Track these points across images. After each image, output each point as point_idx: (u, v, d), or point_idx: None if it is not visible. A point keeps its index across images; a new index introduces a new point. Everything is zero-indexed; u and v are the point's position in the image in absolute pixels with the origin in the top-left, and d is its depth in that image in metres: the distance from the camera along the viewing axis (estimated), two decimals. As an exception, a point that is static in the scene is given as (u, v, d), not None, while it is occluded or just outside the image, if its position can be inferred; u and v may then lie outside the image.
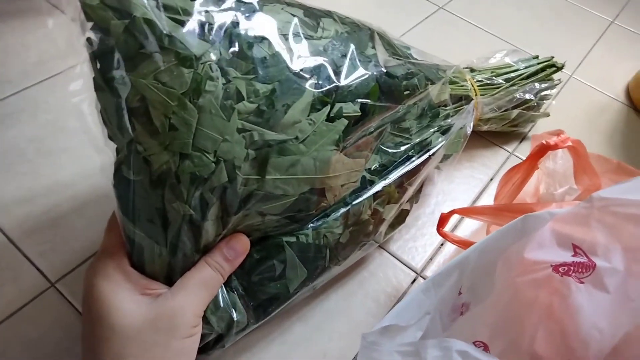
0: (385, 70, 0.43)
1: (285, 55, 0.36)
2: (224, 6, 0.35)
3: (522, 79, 0.63)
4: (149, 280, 0.36)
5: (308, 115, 0.37)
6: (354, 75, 0.40)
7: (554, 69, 0.65)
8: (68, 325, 0.45)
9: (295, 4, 0.41)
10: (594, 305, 0.38)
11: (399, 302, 0.35)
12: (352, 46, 0.41)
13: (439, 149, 0.52)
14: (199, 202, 0.34)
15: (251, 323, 0.41)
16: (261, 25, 0.36)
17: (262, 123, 0.35)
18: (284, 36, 0.37)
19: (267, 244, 0.42)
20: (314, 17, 0.41)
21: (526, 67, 0.64)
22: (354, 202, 0.45)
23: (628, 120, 0.75)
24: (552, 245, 0.39)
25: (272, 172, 0.36)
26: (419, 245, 0.55)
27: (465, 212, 0.49)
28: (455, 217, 0.57)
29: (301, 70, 0.37)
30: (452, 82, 0.57)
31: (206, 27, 0.33)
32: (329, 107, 0.38)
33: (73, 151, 0.57)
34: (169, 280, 0.36)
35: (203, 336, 0.38)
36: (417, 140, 0.50)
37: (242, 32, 0.35)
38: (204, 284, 0.36)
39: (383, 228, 0.50)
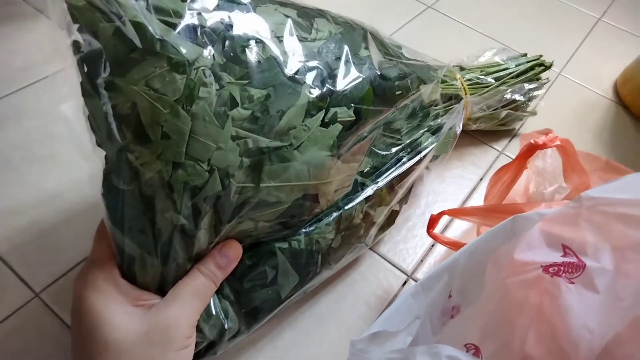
0: (379, 73, 0.42)
1: (280, 59, 0.35)
2: (216, 7, 0.34)
3: (511, 78, 0.62)
4: (140, 291, 0.35)
5: (303, 121, 0.36)
6: (348, 78, 0.39)
7: (543, 67, 0.65)
8: (53, 336, 0.44)
9: (288, 3, 0.40)
10: (584, 305, 0.37)
11: (388, 307, 0.34)
12: (346, 48, 0.40)
13: (429, 150, 0.52)
14: (192, 212, 0.33)
15: (243, 330, 0.40)
16: (255, 27, 0.35)
17: (256, 129, 0.34)
18: (278, 38, 0.36)
19: (259, 250, 0.41)
20: (308, 17, 0.40)
21: (515, 66, 0.64)
22: (346, 207, 0.45)
23: (616, 117, 0.75)
24: (542, 245, 0.39)
25: (266, 179, 0.35)
26: (409, 247, 0.55)
27: (454, 213, 0.48)
28: (445, 218, 0.57)
29: (296, 74, 0.36)
30: (442, 82, 0.57)
31: (199, 29, 0.32)
32: (323, 112, 0.37)
33: (59, 158, 0.56)
34: (161, 290, 0.36)
35: (195, 344, 0.37)
36: (408, 141, 0.50)
37: (236, 35, 0.34)
38: (197, 293, 0.35)
39: (373, 231, 0.49)
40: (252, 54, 0.34)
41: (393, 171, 0.49)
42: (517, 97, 0.62)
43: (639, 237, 0.35)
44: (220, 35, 0.33)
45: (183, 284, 0.35)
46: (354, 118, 0.39)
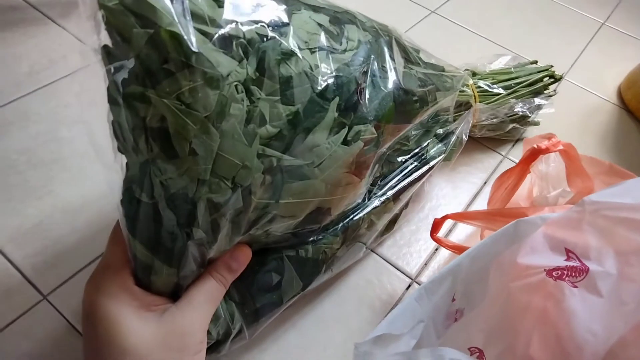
0: (402, 87, 0.41)
1: (310, 74, 0.34)
2: (253, 15, 0.32)
3: (521, 88, 0.62)
4: (153, 297, 0.35)
5: (326, 139, 0.35)
6: (373, 94, 0.38)
7: (552, 79, 0.65)
8: (61, 339, 0.44)
9: (320, 8, 0.39)
10: (588, 309, 0.38)
11: (392, 311, 0.35)
12: (374, 60, 0.39)
13: (438, 161, 0.51)
14: (212, 226, 0.33)
15: (246, 331, 0.41)
16: (289, 38, 0.33)
17: (280, 147, 0.33)
18: (310, 50, 0.35)
19: (267, 256, 0.41)
20: (339, 24, 0.39)
21: (525, 76, 0.64)
22: (354, 217, 0.45)
23: (620, 122, 0.75)
24: (545, 249, 0.39)
25: (285, 196, 0.35)
26: (413, 251, 0.55)
27: (458, 217, 0.48)
28: (449, 222, 0.57)
29: (325, 90, 0.35)
30: (454, 89, 0.57)
31: (234, 41, 0.30)
32: (346, 129, 0.36)
33: (64, 162, 0.56)
34: (173, 294, 0.36)
35: None
36: (416, 149, 0.50)
37: (271, 47, 0.32)
38: (209, 297, 0.36)
39: (373, 236, 0.50)
40: (285, 69, 0.33)
41: (400, 180, 0.49)
42: (525, 111, 0.62)
43: (642, 241, 0.35)
44: (255, 48, 0.31)
45: (195, 289, 0.35)
46: (375, 135, 0.39)
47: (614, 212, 0.37)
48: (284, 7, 0.34)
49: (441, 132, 0.53)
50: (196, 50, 0.28)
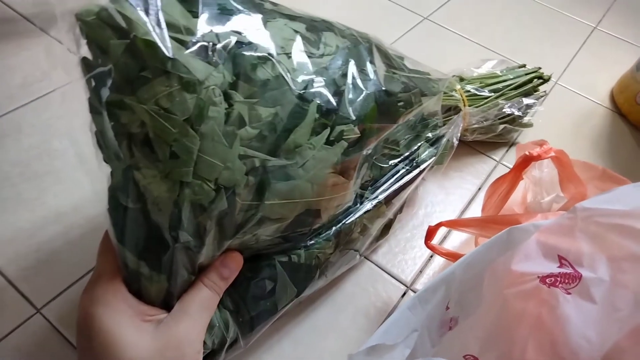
0: (384, 89, 0.42)
1: (288, 77, 0.35)
2: (227, 23, 0.33)
3: (509, 90, 0.63)
4: (146, 306, 0.35)
5: (308, 139, 0.36)
6: (354, 95, 0.39)
7: (541, 80, 0.66)
8: (55, 353, 0.44)
9: (297, 16, 0.40)
10: (582, 315, 0.38)
11: (386, 321, 0.35)
12: (353, 64, 0.40)
13: (429, 164, 0.52)
14: (197, 229, 0.33)
15: (241, 340, 0.41)
16: (265, 43, 0.35)
17: (263, 148, 0.34)
18: (287, 55, 0.36)
19: (259, 262, 0.41)
20: (316, 31, 0.40)
21: (513, 78, 0.64)
22: (346, 221, 0.45)
23: (613, 125, 0.75)
24: (538, 256, 0.39)
25: (270, 197, 0.35)
26: (408, 258, 0.55)
27: (452, 224, 0.49)
28: (443, 229, 0.57)
29: (304, 92, 0.36)
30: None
31: (209, 47, 0.31)
32: (328, 130, 0.37)
33: (58, 174, 0.56)
34: (166, 304, 0.36)
35: None
36: (407, 153, 0.50)
37: (246, 52, 0.33)
38: (204, 306, 0.36)
39: (368, 241, 0.49)
40: (262, 72, 0.34)
41: (392, 184, 0.49)
42: (515, 111, 0.63)
43: (634, 247, 0.35)
44: (231, 53, 0.32)
45: (189, 298, 0.35)
46: (359, 135, 0.39)
47: (606, 218, 0.37)
48: (259, 15, 0.35)
49: (431, 136, 0.53)
50: (171, 56, 0.29)
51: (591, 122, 0.75)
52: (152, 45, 0.29)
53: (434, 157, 0.52)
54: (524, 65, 0.68)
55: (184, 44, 0.30)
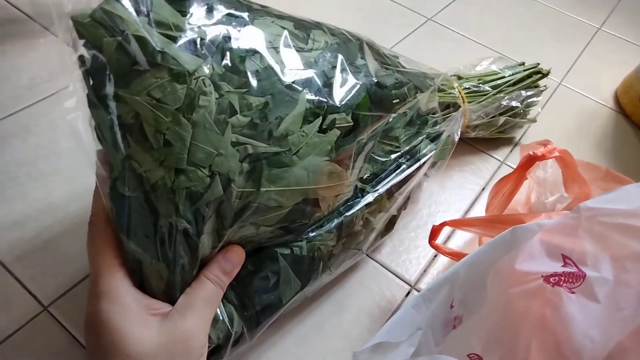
0: (375, 80, 0.43)
1: (277, 68, 0.37)
2: (215, 21, 0.35)
3: (508, 86, 0.63)
4: (150, 300, 0.35)
5: (300, 127, 0.37)
6: (345, 86, 0.41)
7: (540, 75, 0.66)
8: (62, 350, 0.44)
9: (285, 16, 0.42)
10: (586, 315, 0.38)
11: (390, 319, 0.35)
12: (342, 57, 0.41)
13: (428, 158, 0.52)
14: (195, 216, 0.34)
15: (247, 334, 0.41)
16: (252, 38, 0.37)
17: (255, 136, 0.35)
18: (275, 49, 0.38)
19: (262, 256, 0.42)
20: (304, 29, 0.41)
21: (512, 74, 0.64)
22: (347, 213, 0.46)
23: (617, 126, 0.75)
24: (542, 256, 0.39)
25: (266, 184, 0.36)
26: (412, 258, 0.55)
27: (456, 224, 0.49)
28: (448, 228, 0.58)
29: (293, 82, 0.37)
30: (440, 90, 0.58)
31: (198, 42, 0.33)
32: (320, 118, 0.38)
33: (64, 173, 0.57)
34: (169, 297, 0.36)
35: None
36: (407, 148, 0.51)
37: (234, 46, 0.35)
38: (208, 300, 0.36)
39: (372, 237, 0.50)
40: (250, 64, 0.35)
41: (393, 178, 0.50)
42: (514, 103, 0.63)
43: (638, 247, 0.35)
44: (219, 47, 0.34)
45: (193, 292, 0.36)
46: (352, 124, 0.40)
47: (610, 218, 0.37)
48: (247, 13, 0.38)
49: (432, 132, 0.54)
50: (161, 49, 0.32)
51: (595, 123, 0.75)
52: (142, 40, 0.31)
53: (434, 151, 0.53)
54: (523, 63, 0.68)
55: (173, 39, 0.33)
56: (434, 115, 0.55)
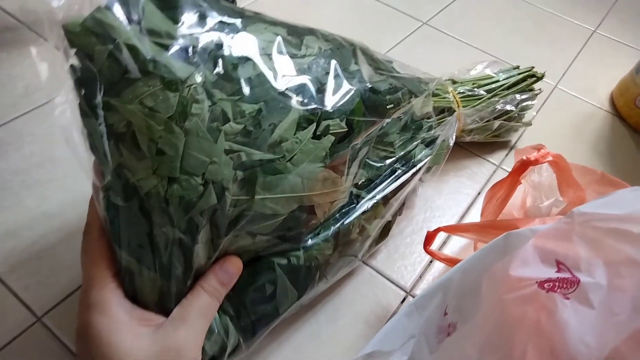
0: (369, 86, 0.43)
1: (270, 75, 0.37)
2: (208, 28, 0.35)
3: (503, 90, 0.63)
4: (143, 311, 0.35)
5: (294, 134, 0.37)
6: (339, 92, 0.40)
7: (534, 78, 0.66)
8: (55, 361, 0.44)
9: (278, 22, 0.41)
10: (580, 320, 0.37)
11: (382, 327, 0.35)
12: (336, 63, 0.41)
13: (424, 162, 0.52)
14: (189, 225, 0.34)
15: (242, 345, 0.41)
16: (245, 45, 0.36)
17: (249, 143, 0.35)
18: (268, 56, 0.37)
19: (258, 266, 0.41)
20: (297, 35, 0.41)
21: (507, 78, 0.64)
22: (345, 222, 0.45)
23: (613, 129, 0.75)
24: (536, 261, 0.39)
25: (261, 191, 0.36)
26: (408, 264, 0.55)
27: (450, 229, 0.49)
28: (443, 234, 0.57)
29: (286, 89, 0.37)
30: (434, 95, 0.58)
31: (190, 49, 0.33)
32: (314, 124, 0.38)
33: (59, 181, 0.57)
34: (164, 308, 0.36)
35: None
36: (402, 153, 0.51)
37: (226, 53, 0.35)
38: (203, 312, 0.36)
39: (367, 244, 0.50)
40: (243, 71, 0.35)
41: (389, 184, 0.49)
42: (509, 107, 0.63)
43: (632, 252, 0.35)
44: (212, 54, 0.34)
45: (188, 304, 0.35)
46: (346, 129, 0.40)
47: (603, 223, 0.37)
48: (239, 20, 0.38)
49: (427, 137, 0.54)
50: (152, 58, 0.32)
51: (591, 126, 0.75)
52: (134, 48, 0.31)
53: (429, 157, 0.53)
54: (518, 67, 0.68)
55: (165, 48, 0.33)
56: (429, 120, 0.55)
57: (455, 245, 0.58)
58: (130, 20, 0.32)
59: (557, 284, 0.38)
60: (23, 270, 0.49)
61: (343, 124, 0.40)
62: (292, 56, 0.39)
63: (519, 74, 0.65)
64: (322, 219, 0.43)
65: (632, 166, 0.69)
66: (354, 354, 0.47)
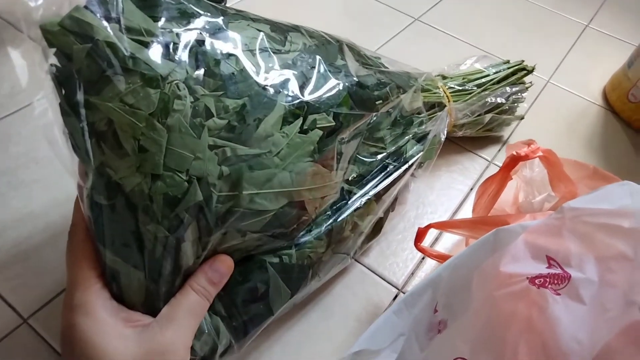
0: (356, 80, 0.43)
1: (253, 70, 0.36)
2: (189, 25, 0.35)
3: (493, 84, 0.63)
4: (129, 312, 0.34)
5: (281, 129, 0.37)
6: (324, 86, 0.40)
7: (525, 72, 0.66)
8: (42, 363, 0.44)
9: (261, 19, 0.41)
10: (572, 316, 0.37)
11: (371, 326, 0.34)
12: (321, 58, 0.41)
13: (417, 158, 0.52)
14: (175, 223, 0.33)
15: (234, 346, 0.40)
16: (227, 42, 0.36)
17: (234, 138, 0.35)
18: (251, 52, 0.37)
19: (250, 265, 0.41)
20: (281, 31, 0.41)
21: (497, 72, 0.64)
22: (337, 219, 0.45)
23: (606, 123, 0.75)
24: (527, 257, 0.39)
25: (248, 187, 0.35)
26: (399, 261, 0.55)
27: (442, 226, 0.48)
28: (435, 230, 0.57)
29: (271, 84, 0.37)
30: (424, 90, 0.57)
31: (171, 46, 0.33)
32: (301, 119, 0.38)
33: (45, 182, 0.56)
34: (151, 308, 0.35)
35: None
36: (393, 149, 0.50)
37: (208, 49, 0.35)
38: (191, 312, 0.35)
39: (360, 240, 0.49)
40: (225, 67, 0.35)
41: (380, 180, 0.49)
42: (500, 100, 0.62)
43: (622, 247, 0.35)
44: (193, 51, 0.34)
45: (177, 303, 0.35)
46: (334, 124, 0.40)
47: (593, 218, 0.36)
48: (221, 17, 0.37)
49: (418, 132, 0.54)
50: (132, 55, 0.31)
51: (584, 120, 0.75)
52: (113, 46, 0.31)
53: (421, 152, 0.53)
54: (508, 61, 0.68)
55: (145, 45, 0.32)
56: (420, 115, 0.55)
57: (448, 241, 0.57)
58: (109, 19, 0.32)
59: (547, 279, 0.38)
60: (9, 272, 0.49)
61: (330, 118, 0.40)
62: (276, 52, 0.39)
63: (509, 67, 0.65)
64: (313, 215, 0.43)
65: (624, 160, 0.69)
66: (345, 352, 0.47)
